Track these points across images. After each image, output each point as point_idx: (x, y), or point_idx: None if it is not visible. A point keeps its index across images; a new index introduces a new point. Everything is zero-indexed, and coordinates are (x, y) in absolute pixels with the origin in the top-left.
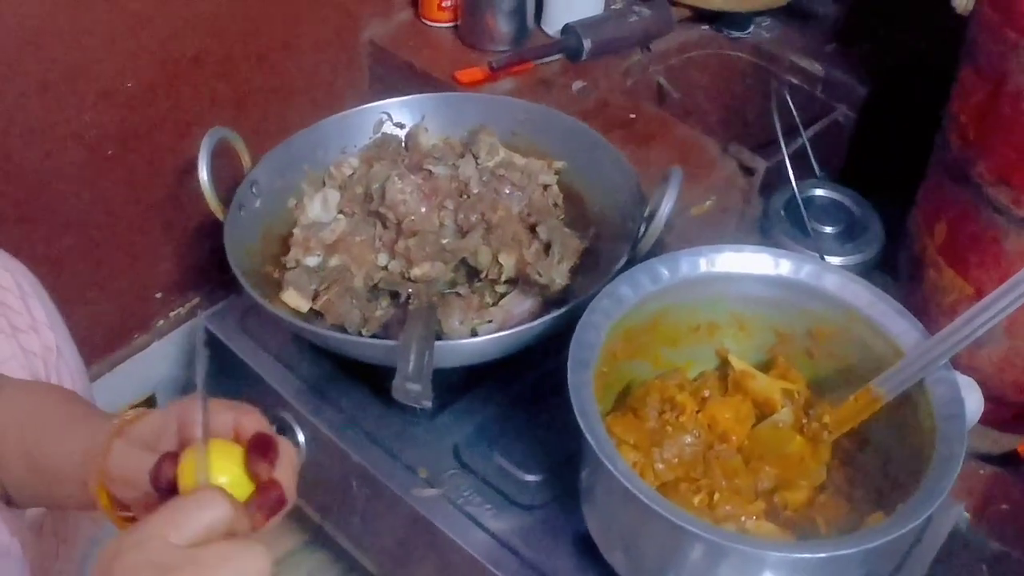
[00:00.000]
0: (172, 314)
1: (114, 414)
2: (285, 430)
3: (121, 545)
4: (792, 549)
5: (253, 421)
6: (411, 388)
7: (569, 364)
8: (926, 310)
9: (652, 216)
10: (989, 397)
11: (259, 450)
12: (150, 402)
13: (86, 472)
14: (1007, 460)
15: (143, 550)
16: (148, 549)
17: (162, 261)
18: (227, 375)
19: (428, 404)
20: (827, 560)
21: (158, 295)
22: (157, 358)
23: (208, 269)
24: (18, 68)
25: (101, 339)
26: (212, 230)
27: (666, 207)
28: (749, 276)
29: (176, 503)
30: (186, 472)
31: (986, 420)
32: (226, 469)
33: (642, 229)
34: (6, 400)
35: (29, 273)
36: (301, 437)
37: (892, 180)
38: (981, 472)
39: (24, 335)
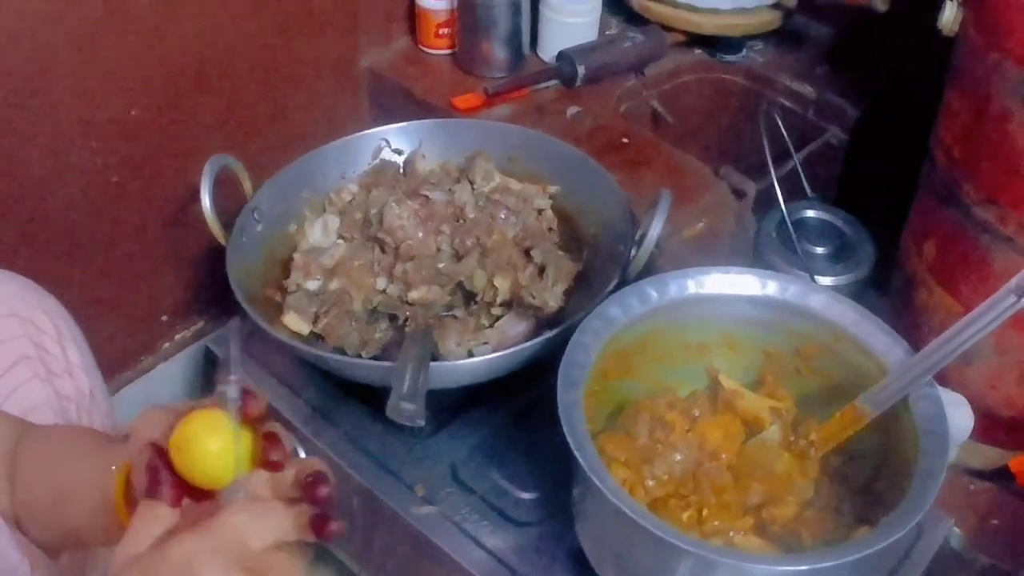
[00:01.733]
0: (178, 337)
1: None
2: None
3: (196, 548)
4: (777, 562)
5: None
6: (405, 407)
7: (559, 383)
8: (917, 329)
9: (642, 239)
10: (980, 413)
11: (270, 440)
12: None
13: (106, 476)
14: (998, 476)
15: (227, 554)
16: (232, 553)
17: (167, 285)
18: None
19: (422, 423)
20: (810, 572)
21: (164, 318)
22: (163, 380)
23: (213, 293)
24: (26, 97)
25: (107, 362)
26: (216, 255)
27: (655, 230)
28: (737, 297)
29: (253, 509)
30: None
31: (977, 436)
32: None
33: (632, 252)
34: (29, 451)
35: (67, 314)
36: (302, 456)
37: (883, 201)
38: (972, 488)
39: (59, 380)
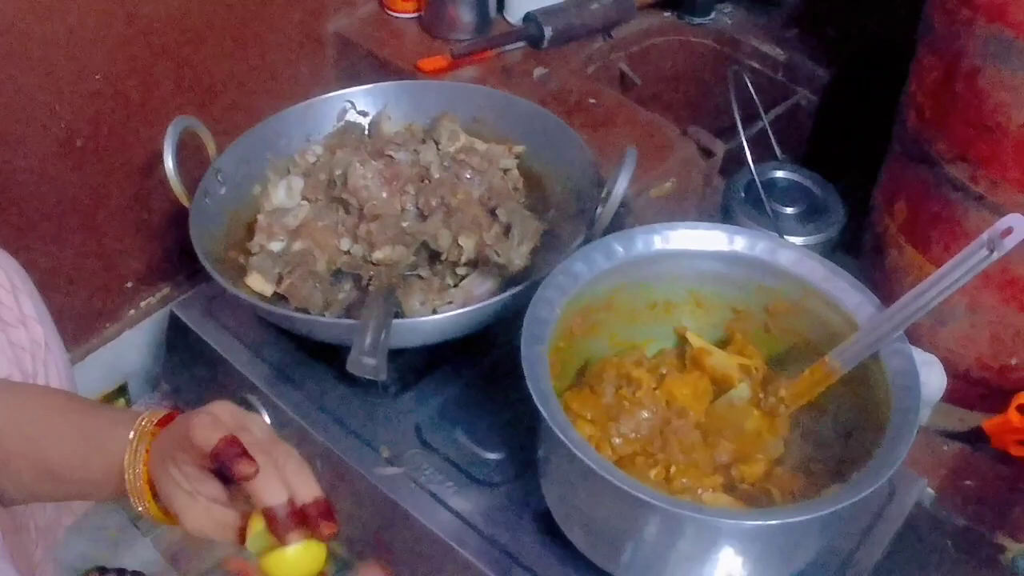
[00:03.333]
0: (143, 303)
1: (133, 412)
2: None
3: None
4: (746, 517)
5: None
6: (366, 362)
7: (523, 339)
8: (888, 289)
9: (608, 196)
10: (954, 375)
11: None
12: (122, 391)
13: (122, 479)
14: (972, 437)
15: None
16: None
17: (132, 251)
18: (195, 361)
19: (383, 377)
20: (780, 528)
21: (129, 284)
22: (128, 347)
23: (177, 258)
24: None
25: (72, 329)
26: (181, 220)
27: (621, 186)
28: (704, 253)
29: None
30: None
31: (951, 398)
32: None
33: (598, 209)
34: (2, 402)
35: (19, 267)
36: (267, 419)
37: (854, 162)
38: (946, 449)
39: (13, 329)
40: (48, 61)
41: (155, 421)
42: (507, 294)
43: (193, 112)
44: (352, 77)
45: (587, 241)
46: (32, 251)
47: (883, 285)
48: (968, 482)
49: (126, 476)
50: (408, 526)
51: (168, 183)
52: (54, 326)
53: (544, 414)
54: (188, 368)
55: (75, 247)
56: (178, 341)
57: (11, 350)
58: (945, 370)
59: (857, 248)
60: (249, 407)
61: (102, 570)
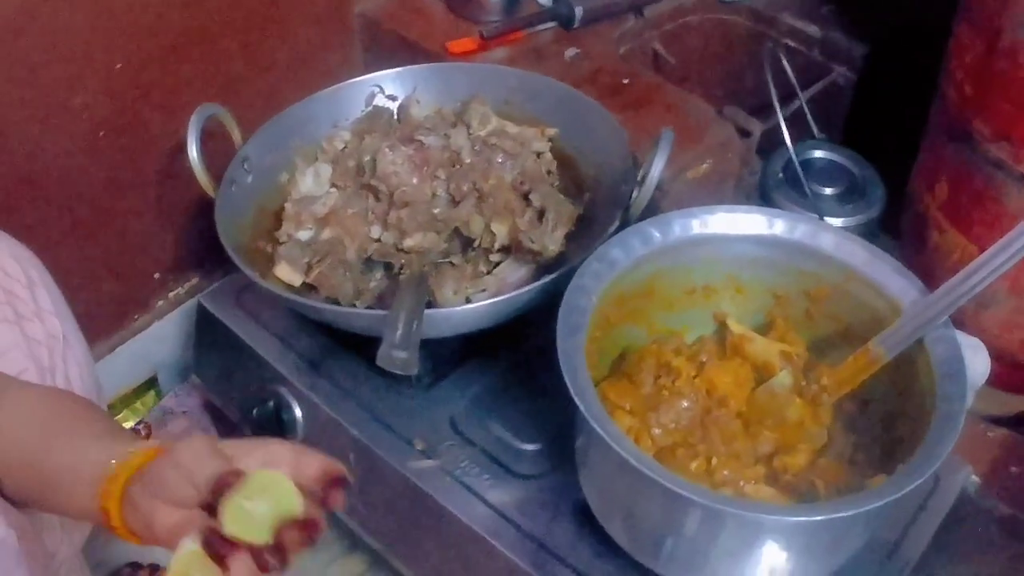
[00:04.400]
0: (171, 294)
1: (127, 434)
2: (282, 406)
3: None
4: (789, 513)
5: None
6: (397, 356)
7: (559, 328)
8: (930, 271)
9: (644, 178)
10: (997, 358)
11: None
12: (152, 383)
13: (96, 503)
14: (1016, 422)
15: None
16: None
17: (159, 242)
18: (224, 353)
19: (415, 371)
20: (825, 523)
21: (156, 275)
22: (158, 339)
23: (205, 248)
24: (6, 53)
25: (100, 321)
26: (207, 208)
27: (657, 168)
28: (744, 237)
29: None
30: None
31: (995, 382)
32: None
33: (635, 192)
34: (11, 404)
35: (38, 261)
36: (298, 412)
37: (892, 141)
38: (990, 435)
39: (28, 323)
40: (66, 51)
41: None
42: (543, 281)
43: (217, 100)
44: (379, 60)
45: (623, 225)
46: (57, 244)
47: (924, 267)
48: (1013, 468)
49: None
50: (442, 520)
51: (193, 173)
52: (73, 320)
53: (582, 408)
54: (218, 360)
55: (100, 239)
56: (207, 333)
57: (27, 344)
58: (989, 353)
59: (896, 229)
60: (279, 400)
61: (134, 566)
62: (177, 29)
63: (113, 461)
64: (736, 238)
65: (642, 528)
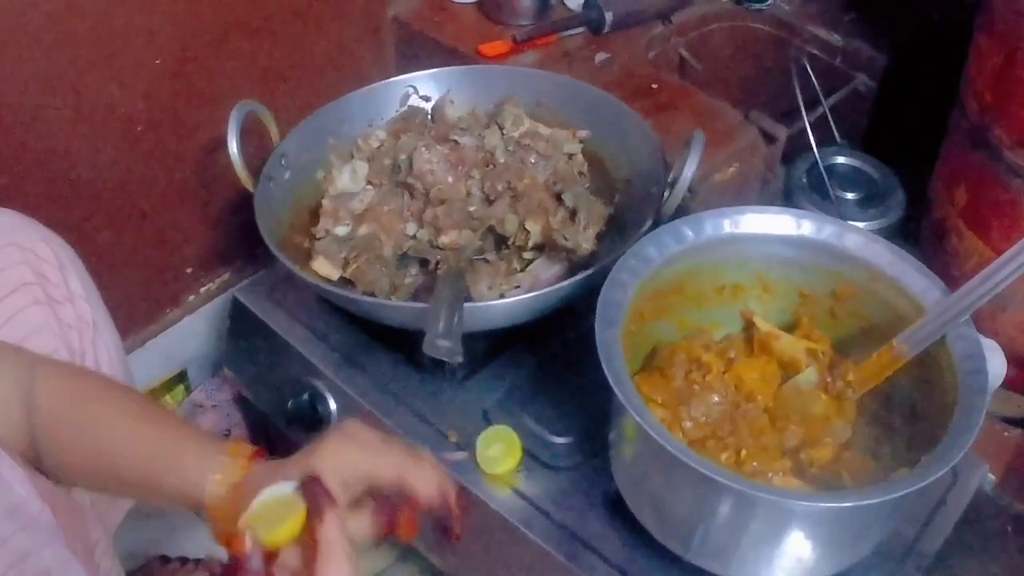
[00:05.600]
0: (203, 289)
1: (217, 444)
2: (317, 398)
3: None
4: (819, 499)
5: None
6: (442, 344)
7: (597, 321)
8: (949, 275)
9: (675, 180)
10: (1013, 360)
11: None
12: (181, 377)
13: (193, 501)
14: None
15: None
16: None
17: (191, 237)
18: (259, 347)
19: (459, 359)
20: (853, 510)
21: (188, 270)
22: (188, 333)
23: (237, 244)
24: (47, 49)
25: (132, 314)
26: (241, 205)
27: (689, 170)
28: (772, 237)
29: None
30: None
31: (1011, 384)
32: None
33: (666, 193)
34: (51, 382)
35: (68, 247)
36: (333, 405)
37: (914, 147)
38: (1006, 435)
39: (60, 306)
40: (106, 47)
41: (245, 459)
42: (577, 277)
43: (255, 97)
44: (412, 62)
45: (655, 225)
46: (92, 237)
47: (943, 271)
48: None
49: (207, 505)
50: (476, 510)
51: (229, 168)
52: (104, 307)
53: (621, 397)
54: (252, 354)
55: (134, 233)
56: (241, 327)
57: (58, 326)
58: (1005, 355)
59: (917, 234)
60: (315, 392)
61: (164, 559)
62: (218, 25)
63: (217, 476)
64: (765, 238)
65: (674, 517)
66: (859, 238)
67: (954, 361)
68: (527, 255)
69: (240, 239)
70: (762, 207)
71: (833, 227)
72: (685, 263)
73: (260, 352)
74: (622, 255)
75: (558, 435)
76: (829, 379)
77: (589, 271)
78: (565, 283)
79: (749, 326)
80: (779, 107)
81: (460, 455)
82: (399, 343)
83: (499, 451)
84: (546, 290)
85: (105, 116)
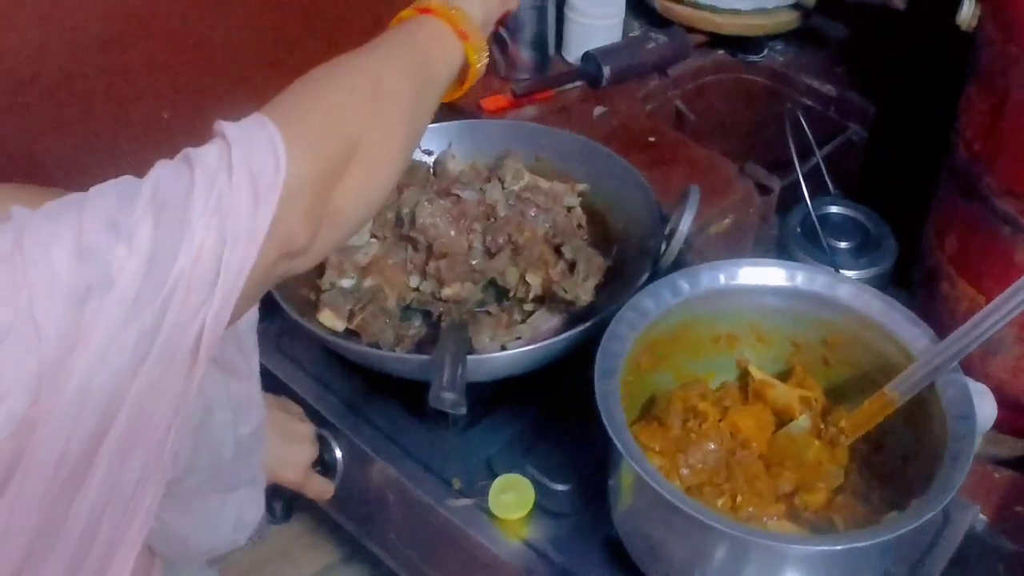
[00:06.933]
0: None
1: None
2: (324, 446)
3: None
4: (813, 543)
5: None
6: (447, 396)
7: (596, 373)
8: (940, 321)
9: (672, 233)
10: (1003, 403)
11: None
12: None
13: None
14: (1021, 464)
15: None
16: None
17: None
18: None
19: (463, 411)
20: (845, 553)
21: None
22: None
23: None
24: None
25: None
26: None
27: (685, 224)
28: (766, 288)
29: None
30: None
31: (1001, 426)
32: None
33: (663, 246)
34: None
35: None
36: (338, 453)
37: (904, 196)
38: (997, 476)
39: None
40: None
41: None
42: (578, 330)
43: None
44: None
45: (652, 277)
46: None
47: (935, 317)
48: (1019, 508)
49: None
50: (480, 556)
51: None
52: None
53: (620, 447)
54: None
55: None
56: None
57: None
58: (995, 398)
59: (909, 280)
60: (321, 440)
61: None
62: (223, 80)
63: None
64: (759, 290)
65: (672, 561)
66: (850, 288)
67: (943, 407)
68: (528, 307)
69: None
70: (756, 259)
71: (825, 278)
72: (682, 315)
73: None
74: (620, 308)
75: (558, 482)
76: (822, 426)
77: (588, 323)
78: (564, 335)
79: (744, 374)
80: (775, 156)
81: (464, 502)
82: (403, 392)
83: (512, 498)
84: (546, 342)
85: (110, 143)
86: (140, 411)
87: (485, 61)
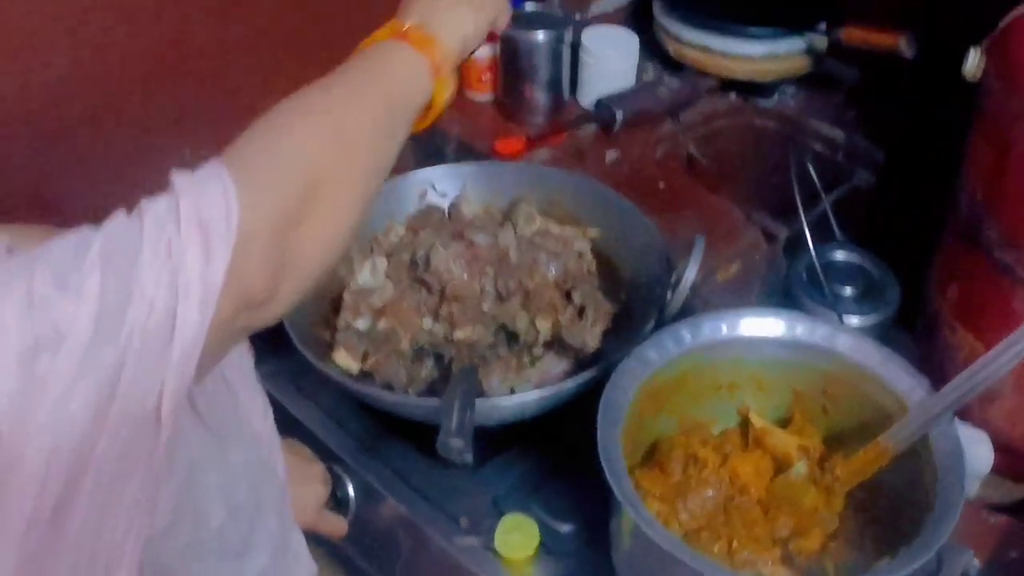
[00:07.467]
0: None
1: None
2: (337, 484)
3: None
4: None
5: None
6: (454, 444)
7: (598, 423)
8: (941, 366)
9: (678, 282)
10: (1000, 449)
11: None
12: None
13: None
14: (1018, 509)
15: None
16: None
17: None
18: (282, 433)
19: (469, 459)
20: None
21: None
22: None
23: (261, 332)
24: None
25: None
26: None
27: (691, 274)
28: (767, 339)
29: None
30: None
31: (998, 471)
32: None
33: (669, 295)
34: None
35: None
36: (352, 490)
37: (909, 242)
38: (992, 521)
39: None
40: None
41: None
42: (582, 377)
43: None
44: (429, 157)
45: (658, 325)
46: None
47: (935, 363)
48: (1013, 554)
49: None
50: None
51: None
52: None
53: (618, 495)
54: None
55: None
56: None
57: None
58: (993, 444)
59: (912, 327)
60: (336, 478)
61: None
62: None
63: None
64: (760, 340)
65: None
66: (849, 339)
67: (935, 458)
68: (537, 351)
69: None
70: (757, 309)
71: (825, 329)
72: (684, 364)
73: (283, 438)
74: (625, 357)
75: (564, 522)
76: (819, 473)
77: (593, 370)
78: (570, 382)
79: (745, 421)
80: (786, 200)
81: (471, 540)
82: (414, 432)
83: (518, 538)
84: (553, 388)
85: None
86: (109, 467)
87: (451, 98)
